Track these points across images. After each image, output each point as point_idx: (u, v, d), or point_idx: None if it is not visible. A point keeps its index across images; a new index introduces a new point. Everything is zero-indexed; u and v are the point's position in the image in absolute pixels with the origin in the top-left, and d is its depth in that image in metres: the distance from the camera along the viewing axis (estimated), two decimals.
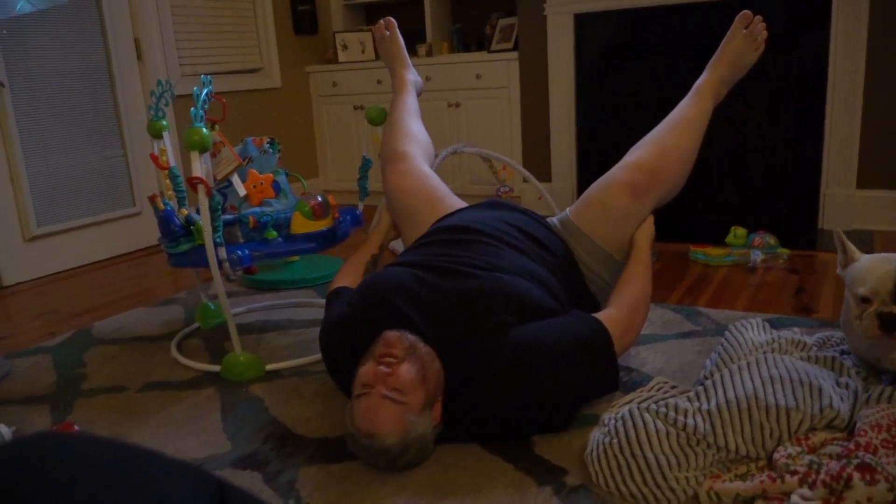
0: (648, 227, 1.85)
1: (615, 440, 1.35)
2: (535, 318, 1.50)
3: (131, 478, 0.51)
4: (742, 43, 1.96)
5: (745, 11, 1.95)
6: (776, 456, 1.30)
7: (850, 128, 3.06)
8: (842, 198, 3.13)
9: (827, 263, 2.69)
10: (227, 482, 0.59)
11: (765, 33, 1.97)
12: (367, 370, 1.38)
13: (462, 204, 1.94)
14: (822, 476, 1.17)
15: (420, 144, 2.08)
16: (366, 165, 2.21)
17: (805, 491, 1.18)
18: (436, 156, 3.14)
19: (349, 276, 1.85)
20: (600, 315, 1.57)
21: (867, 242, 2.92)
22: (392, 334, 1.42)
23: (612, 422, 1.40)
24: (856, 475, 1.14)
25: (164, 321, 2.42)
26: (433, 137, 3.91)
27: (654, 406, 1.39)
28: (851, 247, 1.37)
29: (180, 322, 2.40)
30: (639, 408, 1.40)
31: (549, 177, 3.67)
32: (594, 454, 1.36)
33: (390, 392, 1.33)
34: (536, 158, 3.71)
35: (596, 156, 3.57)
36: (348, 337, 1.54)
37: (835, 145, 3.10)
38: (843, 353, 1.71)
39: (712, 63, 2.00)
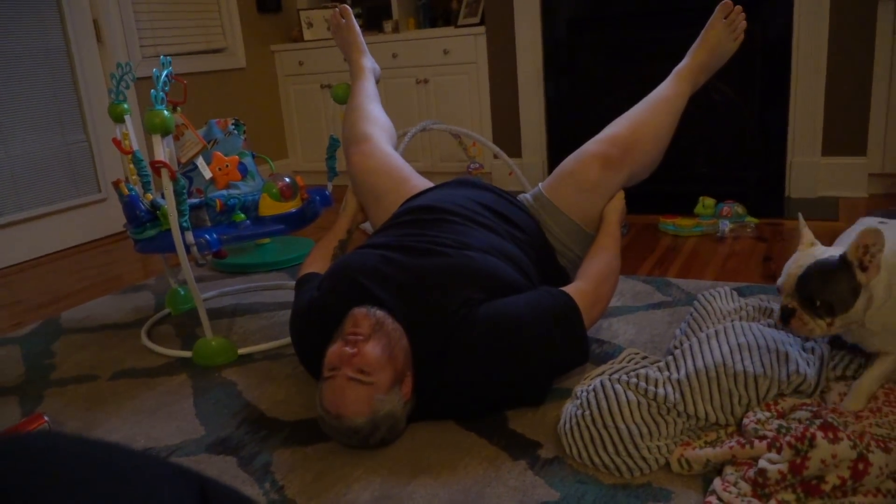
0: (618, 202, 1.86)
1: (587, 412, 1.36)
2: (504, 294, 1.50)
3: (116, 476, 0.51)
4: (721, 32, 2.00)
5: (726, 1, 1.97)
6: (745, 422, 1.32)
7: (814, 96, 3.09)
8: (807, 165, 3.16)
9: (794, 231, 2.73)
10: (207, 477, 0.59)
11: (744, 24, 2.00)
12: (333, 351, 1.39)
13: (428, 184, 1.94)
14: (787, 438, 1.19)
15: (382, 127, 2.07)
16: (333, 145, 2.19)
17: (773, 455, 1.20)
18: (403, 135, 3.13)
19: (317, 262, 1.85)
20: (568, 288, 1.58)
21: (832, 209, 2.96)
22: (359, 311, 1.43)
23: (584, 394, 1.41)
24: (819, 434, 1.16)
25: (133, 308, 2.40)
26: (401, 115, 3.89)
27: (624, 377, 1.40)
28: (804, 233, 1.40)
29: (150, 308, 2.38)
30: (610, 379, 1.41)
31: (519, 152, 3.66)
32: (567, 426, 1.37)
33: (355, 374, 1.34)
34: (506, 134, 3.70)
35: (566, 130, 3.57)
36: (318, 321, 1.54)
37: (800, 114, 3.13)
38: None
39: (693, 49, 2.04)
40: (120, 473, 0.51)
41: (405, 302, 1.46)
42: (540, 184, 1.92)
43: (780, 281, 1.35)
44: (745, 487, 1.20)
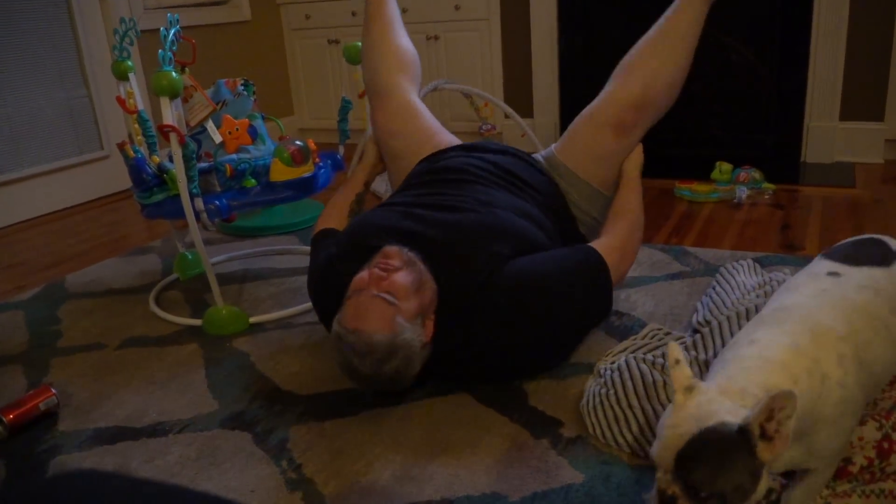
0: (637, 156, 1.80)
1: (612, 391, 1.33)
2: (531, 252, 1.48)
3: None
4: None
5: None
6: None
7: (834, 59, 3.00)
8: (825, 130, 3.09)
9: (811, 198, 2.68)
10: None
11: None
12: (360, 276, 1.37)
13: (453, 140, 1.87)
14: None
15: (406, 69, 1.93)
16: (345, 108, 2.12)
17: None
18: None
19: (333, 218, 1.80)
20: (596, 244, 1.55)
21: (849, 174, 2.90)
22: (392, 247, 1.41)
23: (608, 373, 1.38)
24: None
25: (140, 272, 2.35)
26: None
27: (650, 356, 1.37)
28: (676, 374, 0.96)
29: (157, 273, 2.34)
30: (635, 358, 1.38)
31: (531, 113, 3.58)
32: (590, 405, 1.35)
33: (383, 293, 1.31)
34: (518, 94, 3.62)
35: (579, 90, 3.48)
36: (336, 282, 1.49)
37: (819, 77, 3.05)
38: None
39: None
40: None
41: (430, 256, 1.43)
42: (553, 146, 1.86)
43: (653, 449, 0.95)
44: None
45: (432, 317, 1.40)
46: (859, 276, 1.12)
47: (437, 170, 1.69)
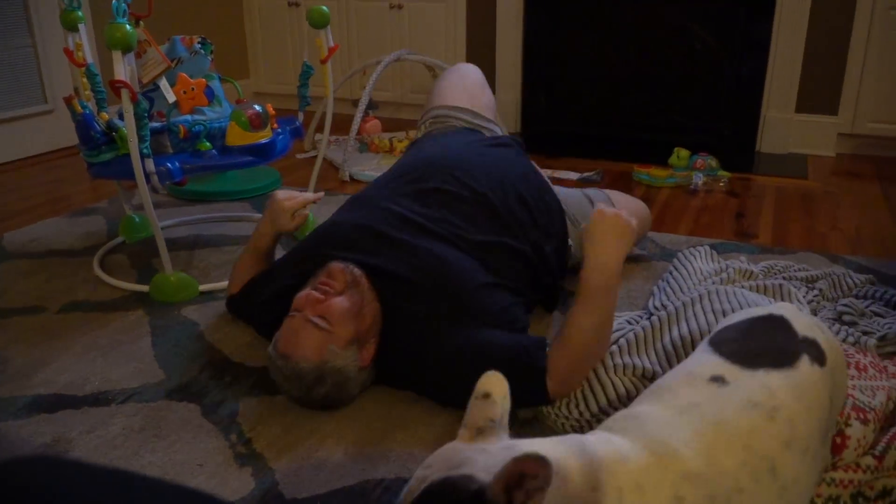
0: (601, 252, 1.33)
1: (574, 402, 1.30)
2: (470, 317, 1.34)
3: None
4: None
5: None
6: None
7: (794, 50, 3.04)
8: (780, 121, 3.14)
9: (764, 187, 2.72)
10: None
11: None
12: (300, 295, 1.32)
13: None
14: None
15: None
16: (306, 73, 2.06)
17: None
18: (376, 63, 2.99)
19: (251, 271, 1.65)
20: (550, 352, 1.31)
21: (801, 166, 2.96)
22: (337, 265, 1.36)
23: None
24: None
25: (84, 233, 2.26)
26: (373, 43, 3.72)
27: (609, 361, 1.34)
28: (470, 414, 0.84)
29: (102, 235, 2.25)
30: (603, 365, 1.34)
31: (493, 88, 3.54)
32: (551, 411, 1.31)
33: (315, 318, 1.27)
34: (481, 68, 3.57)
35: (543, 69, 3.46)
36: (277, 283, 1.48)
37: (778, 68, 3.09)
38: (788, 279, 1.73)
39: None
40: None
41: (387, 284, 1.37)
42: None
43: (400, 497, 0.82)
44: None
45: (374, 340, 1.34)
46: (751, 387, 0.86)
47: (431, 171, 1.58)
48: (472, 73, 2.09)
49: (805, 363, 0.90)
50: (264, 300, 1.52)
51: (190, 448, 1.26)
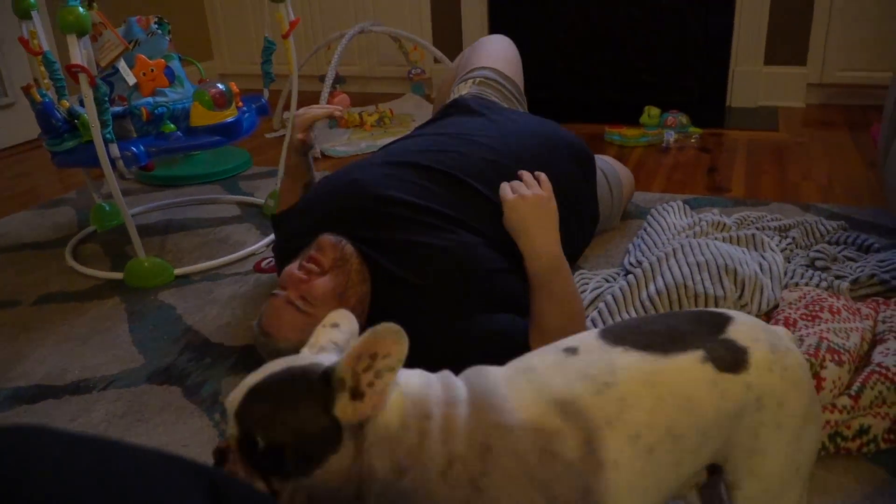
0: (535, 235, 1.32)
1: None
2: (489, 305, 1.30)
3: (110, 481, 0.42)
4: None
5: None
6: None
7: (760, 3, 3.04)
8: (749, 74, 3.15)
9: (736, 141, 2.73)
10: (220, 474, 0.50)
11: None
12: (287, 270, 1.30)
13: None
14: None
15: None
16: (269, 49, 2.03)
17: None
18: (340, 37, 2.95)
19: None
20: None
21: (772, 118, 2.97)
22: (328, 239, 1.31)
23: None
24: None
25: (54, 225, 2.23)
26: (336, 15, 3.67)
27: (591, 325, 1.34)
28: (317, 332, 0.87)
29: (73, 225, 2.22)
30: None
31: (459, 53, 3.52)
32: None
33: (297, 299, 1.24)
34: (446, 37, 3.55)
35: (509, 32, 3.43)
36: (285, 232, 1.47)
37: (745, 22, 3.08)
38: (761, 229, 1.74)
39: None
40: (114, 477, 0.43)
41: (385, 258, 1.33)
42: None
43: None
44: None
45: (360, 322, 1.29)
46: (593, 360, 0.79)
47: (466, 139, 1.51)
48: (511, 47, 2.05)
49: (690, 358, 0.77)
50: (279, 246, 1.50)
51: (173, 430, 1.25)
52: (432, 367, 1.28)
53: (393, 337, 0.70)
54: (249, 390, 0.74)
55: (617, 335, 0.81)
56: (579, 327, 1.28)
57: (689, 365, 0.77)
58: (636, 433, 0.74)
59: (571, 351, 0.81)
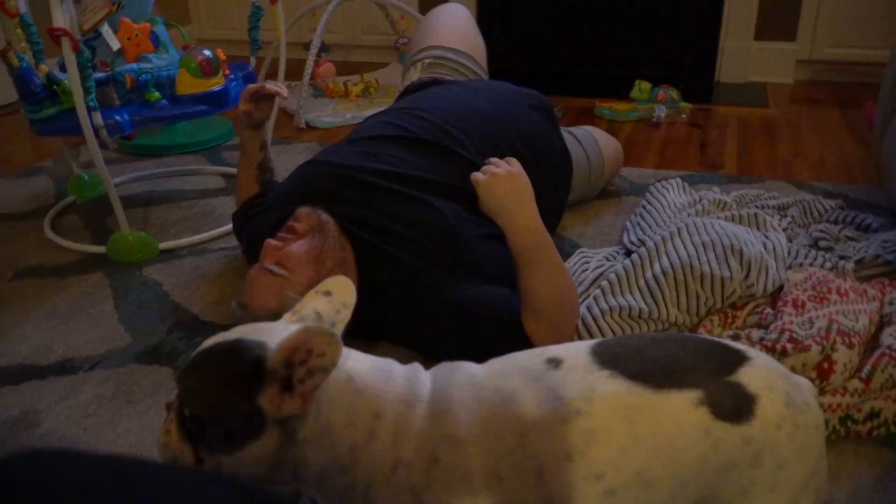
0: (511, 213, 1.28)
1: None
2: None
3: None
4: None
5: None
6: (700, 331, 1.30)
7: None
8: (739, 50, 3.12)
9: (726, 117, 2.71)
10: (264, 489, 0.46)
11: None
12: (265, 242, 1.27)
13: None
14: (756, 347, 1.17)
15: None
16: (256, 14, 1.95)
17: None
18: (327, 2, 2.86)
19: (245, 192, 1.61)
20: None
21: (761, 94, 2.95)
22: (303, 209, 1.31)
23: None
24: (789, 346, 1.15)
25: (30, 195, 2.14)
26: None
27: (598, 308, 1.31)
28: (308, 298, 0.84)
29: (51, 196, 2.13)
30: (592, 314, 1.31)
31: None
32: None
33: (272, 265, 1.22)
34: (435, 5, 3.46)
35: (498, 4, 3.36)
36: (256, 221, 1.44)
37: None
38: (760, 208, 1.73)
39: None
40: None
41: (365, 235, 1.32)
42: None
43: None
44: None
45: None
46: (570, 380, 0.72)
47: (439, 120, 1.49)
48: (464, 15, 2.01)
49: (684, 398, 0.69)
50: (249, 242, 1.48)
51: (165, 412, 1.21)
52: (424, 345, 1.25)
53: (327, 338, 0.67)
54: (196, 355, 0.73)
55: (610, 355, 0.74)
56: (571, 300, 1.26)
57: (681, 406, 0.69)
58: (599, 472, 0.68)
59: (554, 363, 0.75)
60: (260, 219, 1.48)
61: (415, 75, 1.87)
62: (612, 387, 0.70)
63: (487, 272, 1.28)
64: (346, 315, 0.82)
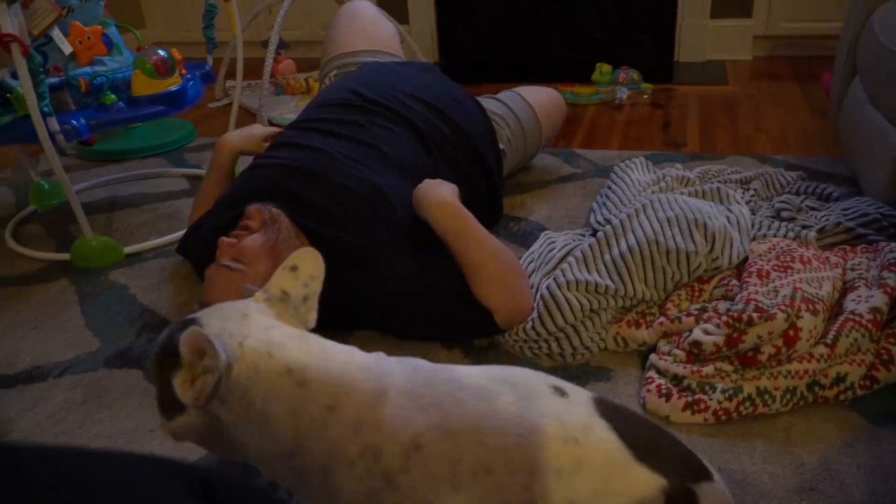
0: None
1: (530, 323, 1.27)
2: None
3: (86, 496, 0.38)
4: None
5: None
6: (668, 306, 1.31)
7: None
8: (696, 28, 3.15)
9: (687, 96, 2.73)
10: (211, 471, 0.46)
11: None
12: (220, 241, 1.28)
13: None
14: (723, 318, 1.19)
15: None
16: (210, 12, 1.93)
17: (708, 326, 1.20)
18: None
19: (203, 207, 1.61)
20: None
21: (720, 72, 2.98)
22: (254, 206, 1.32)
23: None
24: (755, 315, 1.16)
25: None
26: None
27: (562, 278, 1.32)
28: (272, 281, 0.86)
29: (10, 206, 2.09)
30: (556, 283, 1.31)
31: (405, 19, 3.43)
32: (509, 333, 1.30)
33: (229, 261, 1.23)
34: None
35: None
36: (206, 234, 1.43)
37: None
38: (724, 182, 1.75)
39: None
40: (95, 491, 0.38)
41: (311, 218, 1.33)
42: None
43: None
44: (681, 355, 1.21)
45: None
46: (567, 412, 0.75)
47: (342, 102, 1.56)
48: (362, 10, 2.01)
49: (652, 480, 0.72)
50: (197, 253, 1.46)
51: (138, 415, 1.19)
52: (391, 326, 1.26)
53: (200, 341, 0.72)
54: (178, 323, 0.79)
55: (609, 411, 0.77)
56: (510, 260, 1.30)
57: (649, 484, 0.72)
58: (572, 501, 0.70)
59: (560, 392, 0.77)
60: (204, 229, 1.48)
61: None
62: (605, 434, 0.74)
63: (434, 248, 1.31)
64: (316, 287, 0.85)
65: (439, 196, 1.31)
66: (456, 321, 1.29)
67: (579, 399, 0.78)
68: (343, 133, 1.47)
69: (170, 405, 0.77)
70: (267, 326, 0.79)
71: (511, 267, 1.30)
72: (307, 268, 0.84)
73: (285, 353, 0.75)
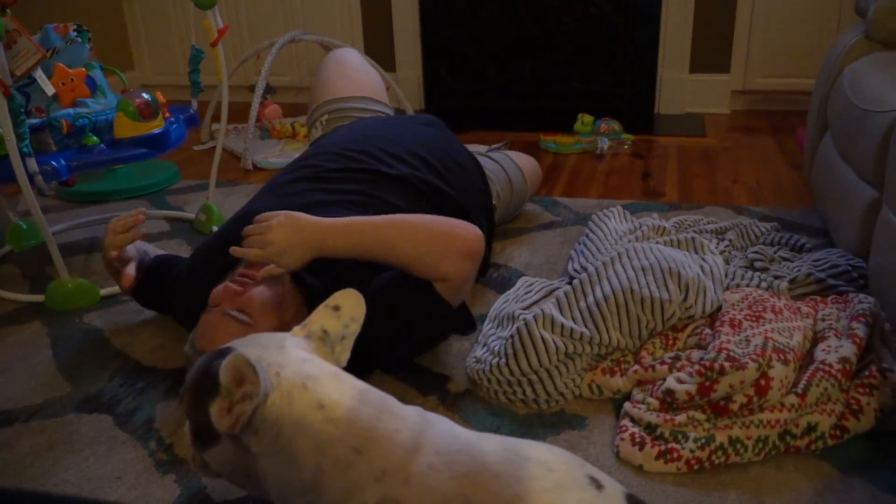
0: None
1: (506, 360, 1.28)
2: None
3: None
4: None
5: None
6: (643, 354, 1.32)
7: (684, 13, 3.11)
8: (676, 82, 3.21)
9: (666, 147, 2.78)
10: None
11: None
12: (217, 289, 1.24)
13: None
14: (696, 367, 1.19)
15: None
16: (196, 57, 1.95)
17: (681, 375, 1.21)
18: (270, 46, 2.88)
19: None
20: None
21: (699, 124, 3.04)
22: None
23: (499, 343, 1.34)
24: (727, 365, 1.17)
25: None
26: (265, 24, 3.59)
27: (540, 313, 1.33)
28: (311, 318, 0.91)
29: None
30: (533, 319, 1.32)
31: (393, 67, 3.49)
32: (483, 374, 1.30)
33: (234, 311, 1.19)
34: (379, 46, 3.51)
35: (443, 42, 3.42)
36: (202, 276, 1.38)
37: (670, 31, 3.15)
38: (699, 232, 1.77)
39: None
40: None
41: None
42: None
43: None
44: (654, 403, 1.21)
45: None
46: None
47: (351, 152, 1.56)
48: (349, 58, 2.04)
49: None
50: (180, 293, 1.42)
51: (105, 461, 1.17)
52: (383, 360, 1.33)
53: (248, 369, 0.73)
54: (214, 353, 0.82)
55: None
56: (436, 225, 1.26)
57: None
58: None
59: (596, 484, 0.76)
60: (175, 270, 1.45)
61: (317, 134, 1.92)
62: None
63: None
64: (355, 329, 0.87)
65: (320, 228, 1.23)
66: (428, 321, 1.32)
67: (614, 493, 0.76)
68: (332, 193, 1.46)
69: (206, 435, 0.78)
70: (303, 359, 0.80)
71: (437, 230, 1.26)
72: (349, 309, 0.87)
73: (319, 386, 0.76)
